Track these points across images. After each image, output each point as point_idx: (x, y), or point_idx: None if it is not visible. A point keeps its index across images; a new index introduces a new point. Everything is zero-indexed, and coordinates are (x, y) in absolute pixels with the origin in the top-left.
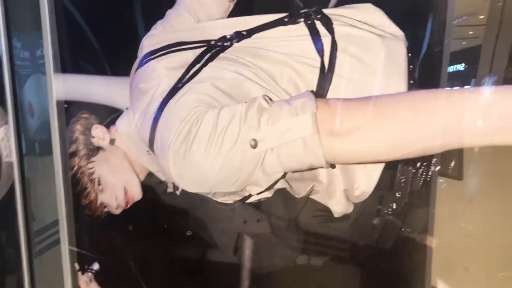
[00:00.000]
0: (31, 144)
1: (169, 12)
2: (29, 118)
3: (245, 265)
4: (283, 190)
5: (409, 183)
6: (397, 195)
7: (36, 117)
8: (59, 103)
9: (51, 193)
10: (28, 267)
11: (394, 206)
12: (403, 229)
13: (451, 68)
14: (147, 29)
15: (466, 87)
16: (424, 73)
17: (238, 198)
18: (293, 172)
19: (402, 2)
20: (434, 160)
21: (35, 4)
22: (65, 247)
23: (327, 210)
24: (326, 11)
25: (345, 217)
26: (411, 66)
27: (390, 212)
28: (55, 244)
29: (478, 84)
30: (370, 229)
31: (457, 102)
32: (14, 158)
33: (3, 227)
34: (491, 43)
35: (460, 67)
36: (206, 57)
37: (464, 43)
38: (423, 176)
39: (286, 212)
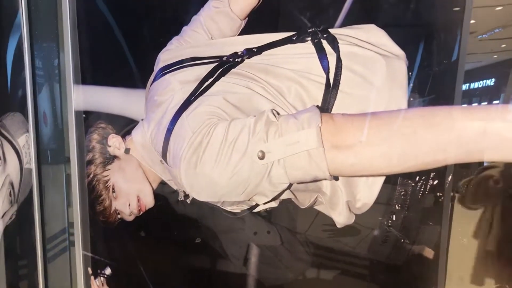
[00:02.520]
0: (44, 153)
1: (184, 28)
2: (43, 127)
3: (251, 272)
4: (291, 203)
5: (408, 196)
6: (404, 210)
7: (49, 126)
8: (77, 113)
9: (61, 201)
10: (42, 273)
11: (399, 220)
12: (412, 245)
13: (480, 83)
14: (164, 44)
15: (494, 102)
16: (439, 88)
17: (246, 207)
18: (298, 183)
19: (412, 19)
20: (432, 174)
21: (53, 14)
22: (79, 252)
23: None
24: (332, 30)
25: (355, 231)
26: (411, 84)
27: (390, 225)
28: (64, 250)
29: (507, 99)
30: (381, 244)
31: (457, 118)
32: (33, 165)
33: (19, 233)
34: None
35: (490, 82)
36: (218, 72)
37: (495, 56)
38: (433, 192)
39: (296, 225)
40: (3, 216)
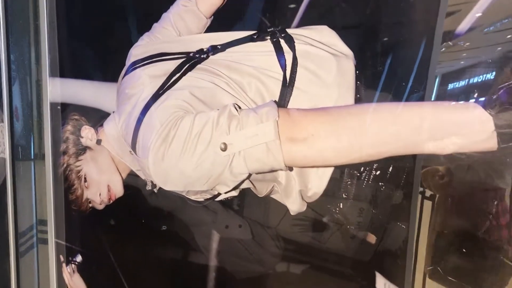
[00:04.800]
0: (15, 148)
1: (155, 25)
2: (15, 121)
3: (222, 265)
4: (267, 198)
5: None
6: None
7: (20, 121)
8: (52, 105)
9: (29, 198)
10: (15, 265)
11: (367, 217)
12: (380, 242)
13: (480, 78)
14: (136, 39)
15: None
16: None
17: (208, 196)
18: (257, 173)
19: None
20: (375, 165)
21: (26, 8)
22: (51, 241)
23: (306, 219)
24: (289, 30)
25: (324, 227)
26: (358, 82)
27: (360, 221)
28: (33, 246)
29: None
30: (349, 240)
31: (398, 114)
32: (7, 156)
33: None
34: None
35: (490, 75)
36: (185, 67)
37: (499, 48)
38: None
39: (267, 219)
40: None
